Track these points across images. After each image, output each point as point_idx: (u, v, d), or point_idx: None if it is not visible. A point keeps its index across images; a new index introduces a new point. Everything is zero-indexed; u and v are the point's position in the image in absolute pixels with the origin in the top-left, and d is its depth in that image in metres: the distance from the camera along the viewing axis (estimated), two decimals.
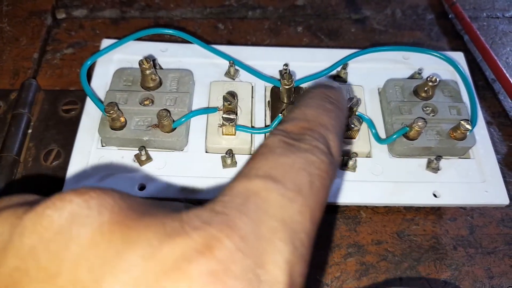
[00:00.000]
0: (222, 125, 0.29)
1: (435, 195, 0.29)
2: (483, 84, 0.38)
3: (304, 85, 0.33)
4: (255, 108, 0.32)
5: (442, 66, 0.34)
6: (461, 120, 0.29)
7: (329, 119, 0.20)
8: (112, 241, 0.14)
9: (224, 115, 0.29)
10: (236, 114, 0.30)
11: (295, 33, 0.40)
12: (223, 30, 0.40)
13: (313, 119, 0.20)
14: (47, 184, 0.30)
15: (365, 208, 0.30)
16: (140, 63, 0.29)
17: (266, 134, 0.30)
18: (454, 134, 0.30)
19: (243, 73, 0.33)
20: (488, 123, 0.35)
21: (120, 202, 0.15)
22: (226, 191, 0.16)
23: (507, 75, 0.36)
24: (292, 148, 0.18)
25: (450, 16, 0.43)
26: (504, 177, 0.31)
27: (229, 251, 0.13)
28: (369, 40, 0.40)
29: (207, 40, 0.39)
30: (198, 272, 0.13)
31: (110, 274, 0.13)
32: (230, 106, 0.29)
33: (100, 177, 0.28)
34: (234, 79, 0.33)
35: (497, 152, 0.33)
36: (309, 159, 0.17)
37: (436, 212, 0.31)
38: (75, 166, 0.29)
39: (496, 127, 0.35)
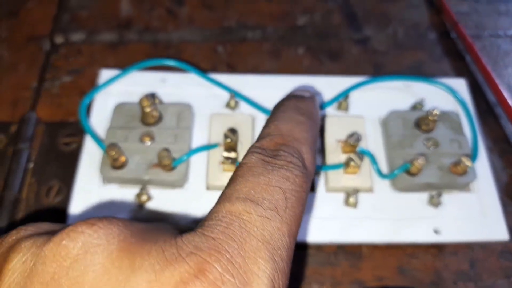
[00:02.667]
0: (223, 163, 0.29)
1: (436, 232, 0.29)
2: (485, 108, 0.38)
3: None
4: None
5: (444, 94, 0.34)
6: (462, 156, 0.29)
7: (302, 132, 0.22)
8: (122, 267, 0.16)
9: (225, 154, 0.29)
10: (237, 151, 0.30)
11: (295, 55, 0.40)
12: (222, 53, 0.40)
13: (287, 134, 0.22)
14: (50, 221, 0.30)
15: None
16: (141, 101, 0.29)
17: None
18: (455, 169, 0.30)
19: (243, 104, 0.33)
20: (489, 150, 0.35)
21: (124, 230, 0.17)
22: (212, 215, 0.18)
23: (508, 99, 0.36)
24: (269, 166, 0.20)
25: (452, 35, 0.42)
26: (505, 207, 0.31)
27: (219, 273, 0.16)
28: (370, 62, 0.40)
29: (207, 64, 0.39)
30: None
31: None
32: (230, 143, 0.29)
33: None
34: (234, 111, 0.33)
35: (498, 180, 0.33)
36: (284, 176, 0.19)
37: (437, 246, 0.31)
38: (76, 205, 0.29)
39: (497, 154, 0.35)
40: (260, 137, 0.22)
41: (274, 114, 0.24)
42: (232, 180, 0.20)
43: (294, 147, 0.21)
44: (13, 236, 0.19)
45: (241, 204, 0.18)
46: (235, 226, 0.17)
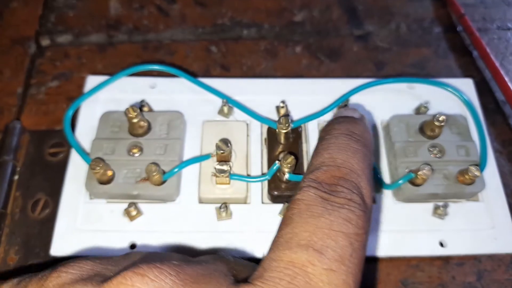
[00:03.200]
0: (215, 175, 0.28)
1: (441, 244, 0.28)
2: (493, 107, 0.36)
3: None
4: (251, 149, 0.30)
5: (450, 95, 0.32)
6: (470, 164, 0.27)
7: (358, 162, 0.21)
8: None
9: (217, 167, 0.27)
10: (230, 162, 0.28)
11: (293, 54, 0.38)
12: (216, 53, 0.38)
13: (343, 165, 0.20)
14: (36, 237, 0.29)
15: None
16: (126, 112, 0.27)
17: (263, 183, 0.29)
18: (462, 178, 0.28)
19: (237, 110, 0.31)
20: (498, 152, 0.33)
21: (177, 280, 0.17)
22: (272, 263, 0.17)
23: None
24: (328, 205, 0.18)
25: (458, 28, 0.40)
26: None
27: None
28: (372, 60, 0.38)
29: (199, 65, 0.37)
30: None
31: None
32: (223, 155, 0.28)
33: (90, 234, 0.27)
34: (228, 118, 0.31)
35: (506, 185, 0.32)
36: (346, 218, 0.18)
37: (442, 257, 0.29)
38: (63, 221, 0.28)
39: (506, 157, 0.33)
40: (313, 168, 0.21)
41: (326, 140, 0.22)
42: (288, 220, 0.18)
43: (353, 181, 0.20)
44: (53, 279, 0.17)
45: (304, 253, 0.17)
46: (299, 281, 0.16)
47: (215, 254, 0.21)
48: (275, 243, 0.18)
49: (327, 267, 0.17)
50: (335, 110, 0.31)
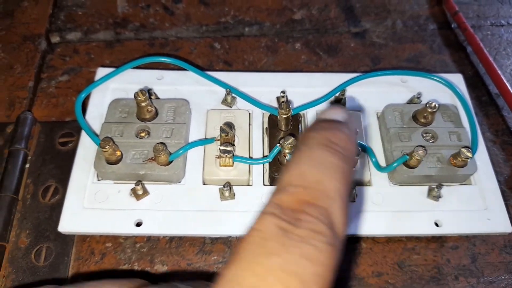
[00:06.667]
0: (219, 157, 0.29)
1: (436, 224, 0.29)
2: (487, 99, 0.37)
3: (302, 112, 0.32)
4: (253, 135, 0.32)
5: (441, 88, 0.34)
6: (462, 147, 0.29)
7: (333, 181, 0.17)
8: None
9: (221, 147, 0.28)
10: (234, 145, 0.30)
11: (293, 50, 0.40)
12: (219, 49, 0.39)
13: (313, 186, 0.17)
14: (46, 221, 0.30)
15: (366, 238, 0.30)
16: (136, 95, 0.29)
17: (265, 164, 0.30)
18: (455, 161, 0.29)
19: (240, 100, 0.33)
20: (491, 142, 0.35)
21: None
22: None
23: (511, 90, 0.35)
24: (287, 239, 0.15)
25: (452, 25, 0.42)
26: (506, 200, 0.30)
27: None
28: (368, 55, 0.39)
29: (203, 60, 0.38)
30: None
31: None
32: (227, 137, 0.29)
33: (97, 213, 0.28)
34: (231, 107, 0.33)
35: (500, 173, 0.33)
36: (304, 255, 0.15)
37: (437, 240, 0.30)
38: (71, 201, 0.29)
39: (499, 146, 0.35)
40: (279, 188, 0.17)
41: (299, 152, 0.18)
42: (237, 257, 0.15)
43: (322, 207, 0.16)
44: None
45: None
46: None
47: (169, 284, 0.19)
48: (217, 281, 0.15)
49: None
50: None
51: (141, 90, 0.29)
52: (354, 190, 0.29)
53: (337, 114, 0.21)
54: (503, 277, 0.29)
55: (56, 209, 0.30)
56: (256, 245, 0.15)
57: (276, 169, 0.29)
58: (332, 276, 0.16)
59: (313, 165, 0.17)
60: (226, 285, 0.15)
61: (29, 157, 0.32)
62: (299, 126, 0.31)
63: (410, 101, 0.33)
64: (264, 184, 0.29)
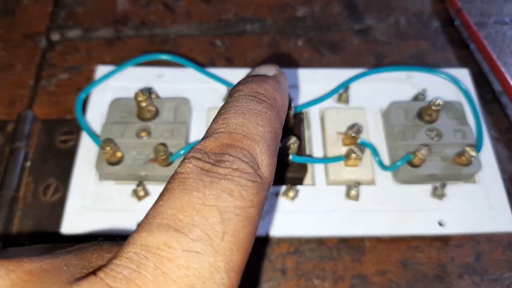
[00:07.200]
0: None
1: (440, 224, 0.29)
2: (490, 97, 0.37)
3: (304, 110, 0.32)
4: None
5: (447, 84, 0.33)
6: (466, 146, 0.28)
7: (257, 126, 0.17)
8: None
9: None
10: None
11: (295, 48, 0.39)
12: (220, 47, 0.39)
13: (236, 130, 0.17)
14: (47, 219, 0.30)
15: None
16: (136, 96, 0.29)
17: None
18: (459, 159, 0.29)
19: None
20: (495, 140, 0.34)
21: (13, 270, 0.15)
22: (125, 249, 0.14)
23: None
24: (207, 177, 0.15)
25: (456, 23, 0.41)
26: (511, 199, 0.30)
27: None
28: (372, 53, 0.39)
29: (205, 58, 0.38)
30: None
31: None
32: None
33: (99, 214, 0.28)
34: None
35: (504, 171, 0.32)
36: (225, 189, 0.15)
37: (442, 238, 0.30)
38: (73, 202, 0.28)
39: (503, 144, 0.34)
40: (204, 137, 0.18)
41: (226, 104, 0.19)
42: (159, 198, 0.16)
43: (244, 148, 0.16)
44: None
45: (162, 235, 0.14)
46: (147, 267, 0.13)
47: (94, 241, 0.18)
48: (138, 225, 0.15)
49: (188, 248, 0.14)
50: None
51: (142, 90, 0.29)
52: (357, 189, 0.29)
53: (268, 69, 0.21)
54: (507, 275, 0.29)
55: (57, 207, 0.30)
56: (176, 185, 0.15)
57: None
58: (257, 213, 0.16)
59: (238, 114, 0.18)
60: (144, 222, 0.15)
61: (30, 155, 0.32)
62: (301, 124, 0.31)
63: (415, 98, 0.33)
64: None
